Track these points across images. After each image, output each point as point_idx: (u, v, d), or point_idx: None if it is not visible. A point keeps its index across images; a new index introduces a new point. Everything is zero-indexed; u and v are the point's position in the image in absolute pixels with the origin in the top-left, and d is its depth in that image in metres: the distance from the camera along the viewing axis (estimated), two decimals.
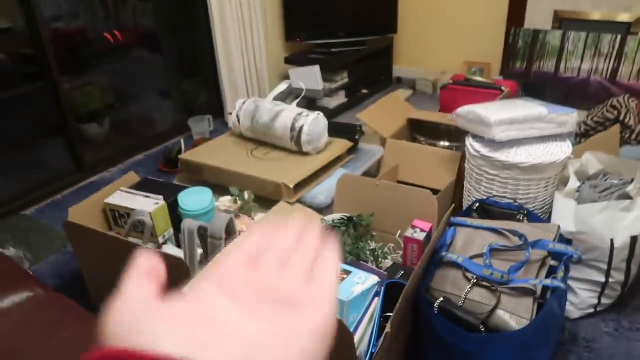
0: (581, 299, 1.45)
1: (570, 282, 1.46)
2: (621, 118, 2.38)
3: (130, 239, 1.53)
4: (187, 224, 1.37)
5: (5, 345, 1.00)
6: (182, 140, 2.60)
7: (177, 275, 1.27)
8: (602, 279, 1.40)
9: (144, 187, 1.71)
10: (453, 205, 1.32)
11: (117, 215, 1.60)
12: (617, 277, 1.39)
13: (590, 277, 1.42)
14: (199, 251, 1.44)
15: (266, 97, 2.07)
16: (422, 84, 3.55)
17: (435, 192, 1.77)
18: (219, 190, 1.69)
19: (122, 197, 1.61)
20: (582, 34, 2.90)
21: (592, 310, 1.47)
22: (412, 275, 1.18)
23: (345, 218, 1.45)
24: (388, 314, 1.23)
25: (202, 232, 1.41)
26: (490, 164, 1.50)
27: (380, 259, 1.40)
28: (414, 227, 1.37)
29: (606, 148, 1.70)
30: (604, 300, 1.44)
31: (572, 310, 1.47)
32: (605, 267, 1.38)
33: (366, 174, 1.90)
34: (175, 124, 2.98)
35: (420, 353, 1.30)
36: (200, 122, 2.85)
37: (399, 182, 1.93)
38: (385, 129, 2.00)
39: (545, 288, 1.21)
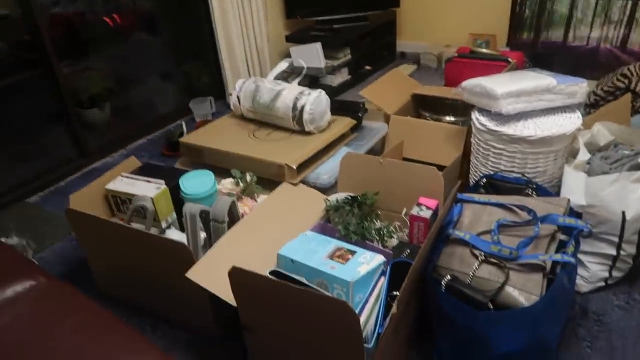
0: (592, 272, 1.43)
1: (580, 256, 1.43)
2: (632, 87, 2.31)
3: (133, 225, 1.51)
4: (189, 207, 1.36)
5: (10, 336, 0.99)
6: (183, 123, 2.58)
7: (181, 261, 1.26)
8: (613, 252, 1.37)
9: (145, 171, 1.69)
10: (459, 182, 1.29)
11: (118, 201, 1.58)
12: (629, 249, 1.36)
13: (601, 250, 1.39)
14: (202, 235, 1.42)
15: (267, 77, 2.03)
16: (426, 58, 3.48)
17: (441, 168, 1.74)
18: (221, 172, 1.67)
19: (123, 183, 1.60)
20: (591, 0, 2.81)
21: (602, 284, 1.44)
22: (419, 253, 1.16)
23: (350, 197, 1.43)
24: (394, 293, 1.21)
25: (204, 216, 1.40)
26: (497, 137, 1.46)
27: (385, 238, 1.38)
28: (419, 204, 1.34)
29: (617, 118, 1.65)
30: (615, 274, 1.42)
31: (583, 284, 1.44)
32: (616, 240, 1.35)
33: (370, 151, 1.86)
34: (177, 106, 2.94)
35: (428, 331, 1.29)
36: (202, 104, 2.82)
37: (404, 159, 1.90)
38: (389, 105, 1.96)
39: (555, 263, 1.18)
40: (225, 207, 1.37)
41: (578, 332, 1.32)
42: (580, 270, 1.43)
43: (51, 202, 2.14)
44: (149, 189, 1.54)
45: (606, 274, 1.43)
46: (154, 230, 1.55)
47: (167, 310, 1.46)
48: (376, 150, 1.95)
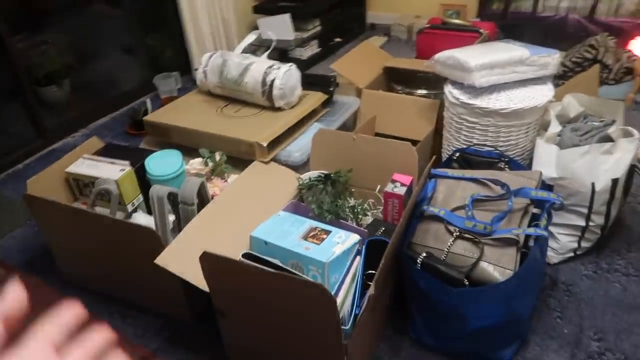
0: (561, 243, 1.45)
1: (550, 228, 1.44)
2: (599, 57, 2.33)
3: (97, 209, 1.45)
4: (155, 190, 1.30)
5: None
6: (147, 100, 2.48)
7: (149, 246, 1.22)
8: (583, 223, 1.39)
9: (108, 152, 1.61)
10: (434, 157, 1.27)
11: (80, 185, 1.51)
12: (597, 220, 1.38)
13: (570, 221, 1.40)
14: (171, 218, 1.37)
15: (234, 50, 1.95)
16: (397, 29, 3.43)
17: (414, 142, 1.72)
18: (189, 152, 1.61)
19: (85, 165, 1.52)
20: None
21: (571, 254, 1.47)
22: (395, 231, 1.14)
23: (322, 175, 1.40)
24: (371, 272, 1.20)
25: (173, 198, 1.35)
26: (470, 111, 1.44)
27: (360, 216, 1.36)
28: (393, 181, 1.32)
29: (586, 89, 1.65)
30: (584, 244, 1.44)
31: (552, 255, 1.47)
32: (585, 211, 1.37)
33: (343, 127, 1.83)
34: (142, 82, 2.82)
35: (405, 309, 1.29)
36: (167, 80, 2.72)
37: (377, 134, 1.88)
38: (360, 78, 1.92)
39: (527, 236, 1.19)
40: (194, 188, 1.32)
41: (549, 303, 1.35)
42: (550, 242, 1.44)
43: (8, 187, 2.04)
44: (112, 171, 1.47)
45: (575, 245, 1.45)
46: (119, 215, 1.49)
47: (137, 296, 1.42)
48: (348, 126, 1.91)
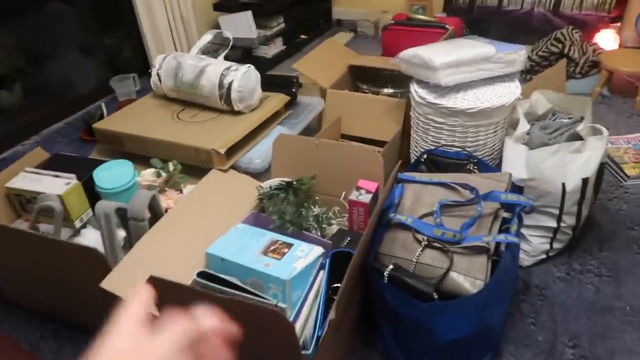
0: (533, 245, 1.40)
1: (522, 230, 1.40)
2: (565, 51, 2.31)
3: (42, 226, 1.34)
4: (102, 206, 1.20)
5: None
6: (102, 104, 2.35)
7: (94, 267, 1.12)
8: (554, 224, 1.35)
9: (53, 164, 1.50)
10: (399, 162, 1.21)
11: (23, 201, 1.40)
12: (569, 221, 1.34)
13: (541, 223, 1.36)
14: (122, 234, 1.28)
15: (190, 51, 1.85)
16: (363, 25, 3.36)
17: (382, 143, 1.66)
18: (145, 161, 1.51)
19: (27, 179, 1.40)
20: None
21: (544, 256, 1.43)
22: (360, 241, 1.07)
23: (284, 183, 1.32)
24: (337, 285, 1.13)
25: (122, 214, 1.25)
26: (437, 111, 1.38)
27: (324, 226, 1.29)
28: (358, 188, 1.25)
29: (553, 84, 1.62)
30: (556, 245, 1.40)
31: (525, 257, 1.42)
32: (556, 212, 1.33)
33: (307, 129, 1.75)
34: (99, 84, 2.69)
35: (373, 322, 1.23)
36: (124, 82, 2.59)
37: (343, 136, 1.81)
38: (325, 78, 1.84)
39: (499, 242, 1.14)
40: (144, 202, 1.22)
41: (522, 309, 1.30)
42: (522, 244, 1.40)
43: None
44: (57, 186, 1.36)
45: (547, 247, 1.41)
46: (65, 232, 1.38)
47: (86, 320, 1.31)
48: (313, 128, 1.84)
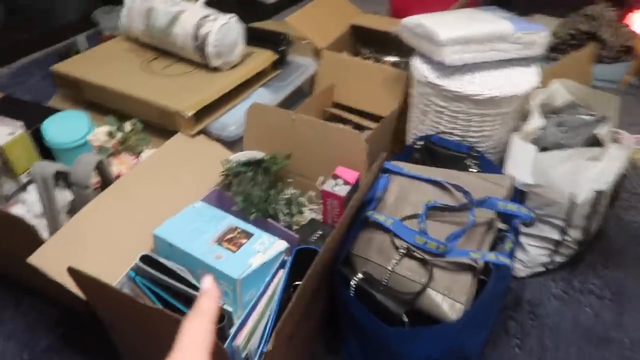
0: (530, 256, 1.25)
1: (519, 237, 1.24)
2: (596, 30, 2.07)
3: None
4: (39, 168, 1.04)
5: None
6: (78, 39, 2.13)
7: (23, 238, 0.98)
8: (557, 237, 1.19)
9: (3, 107, 1.33)
10: (385, 153, 1.03)
11: None
12: (575, 235, 1.18)
13: (543, 233, 1.20)
14: (67, 199, 1.13)
15: None
16: None
17: (378, 118, 1.48)
18: (107, 113, 1.33)
19: None
20: None
21: (542, 269, 1.28)
22: (326, 242, 0.91)
23: (253, 160, 1.15)
24: (297, 283, 0.99)
25: (65, 177, 1.09)
26: (438, 92, 1.19)
27: (294, 213, 1.13)
28: (335, 177, 1.09)
29: (578, 71, 1.42)
30: (557, 259, 1.25)
31: (520, 268, 1.27)
32: (562, 224, 1.16)
33: (296, 93, 1.56)
34: (85, 14, 2.46)
35: (337, 328, 1.09)
36: (110, 14, 2.36)
37: (335, 105, 1.62)
38: (321, 36, 1.63)
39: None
40: (88, 168, 1.06)
41: (509, 327, 1.16)
42: (518, 253, 1.25)
43: None
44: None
45: (547, 259, 1.25)
46: (9, 186, 1.23)
47: (32, 283, 1.19)
48: (304, 91, 1.65)
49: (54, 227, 1.09)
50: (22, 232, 0.98)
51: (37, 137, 1.26)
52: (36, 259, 0.95)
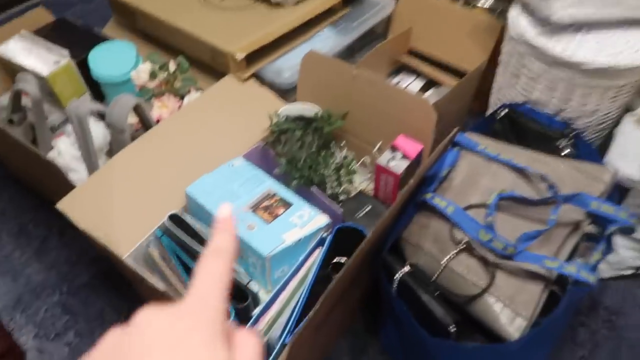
0: (620, 257, 1.05)
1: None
2: None
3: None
4: (74, 107, 0.97)
5: None
6: None
7: (57, 181, 0.93)
8: None
9: (54, 32, 1.27)
10: (457, 129, 0.85)
11: (10, 71, 1.20)
12: None
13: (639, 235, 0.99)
14: (108, 138, 1.07)
15: None
16: None
17: (461, 74, 1.28)
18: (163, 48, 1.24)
19: (19, 47, 1.19)
20: None
21: (630, 272, 1.08)
22: (376, 225, 0.78)
23: (304, 117, 1.01)
24: (339, 260, 0.88)
25: (103, 116, 1.02)
26: (538, 54, 0.97)
27: (344, 180, 1.00)
28: (394, 148, 0.93)
29: None
30: None
31: (604, 268, 1.08)
32: None
33: (368, 34, 1.37)
34: None
35: (380, 317, 0.98)
36: None
37: (410, 52, 1.42)
38: None
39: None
40: (125, 110, 0.97)
41: (577, 335, 1.00)
42: None
43: None
44: (45, 62, 1.14)
45: (638, 263, 1.05)
46: (57, 117, 1.19)
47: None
48: (377, 33, 1.46)
49: (91, 168, 1.04)
50: (54, 177, 0.93)
51: (85, 67, 1.19)
52: (64, 205, 0.90)
